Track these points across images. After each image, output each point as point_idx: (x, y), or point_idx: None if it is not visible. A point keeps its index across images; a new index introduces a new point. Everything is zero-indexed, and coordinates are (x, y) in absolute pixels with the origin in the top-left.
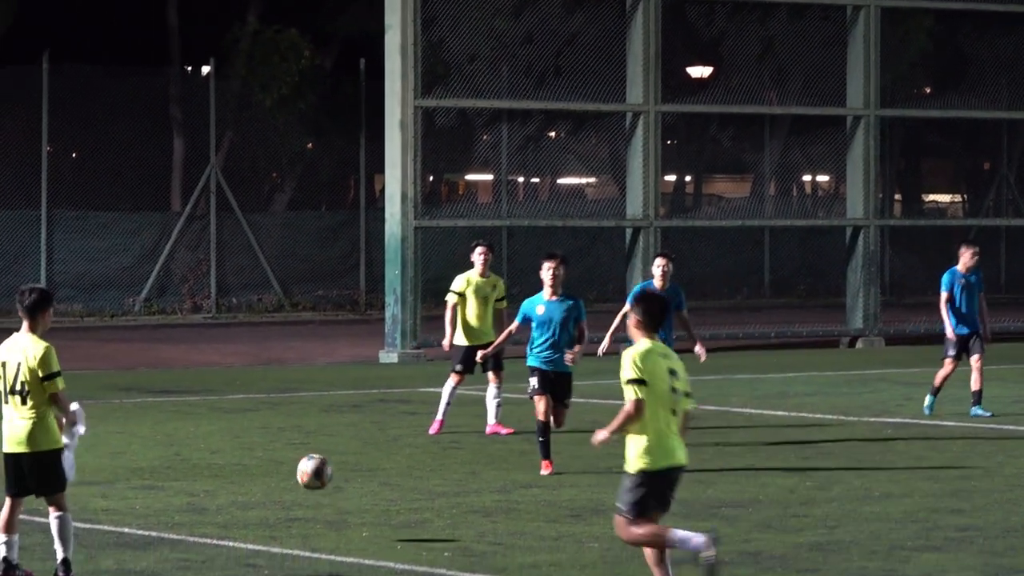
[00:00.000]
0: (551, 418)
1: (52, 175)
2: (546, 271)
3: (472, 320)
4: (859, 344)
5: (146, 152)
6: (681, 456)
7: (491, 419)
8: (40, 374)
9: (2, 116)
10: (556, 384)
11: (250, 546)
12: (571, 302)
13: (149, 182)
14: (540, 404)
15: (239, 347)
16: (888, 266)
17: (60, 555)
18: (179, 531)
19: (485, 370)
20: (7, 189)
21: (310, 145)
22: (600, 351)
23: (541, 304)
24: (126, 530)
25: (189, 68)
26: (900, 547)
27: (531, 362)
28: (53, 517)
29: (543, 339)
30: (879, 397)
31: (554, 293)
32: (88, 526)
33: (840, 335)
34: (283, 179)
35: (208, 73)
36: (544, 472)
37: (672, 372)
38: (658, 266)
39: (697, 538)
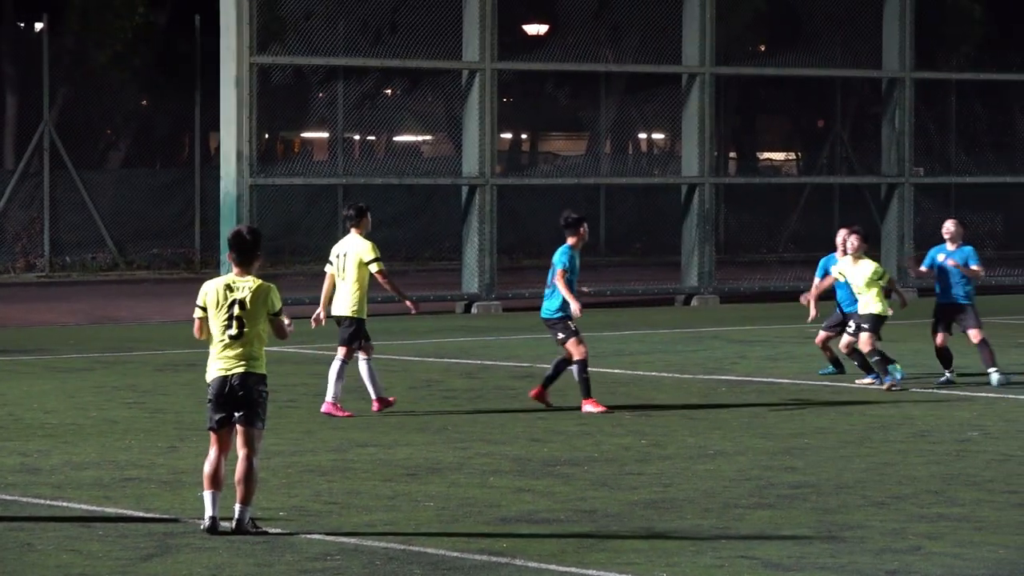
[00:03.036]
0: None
1: None
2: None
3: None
4: (694, 302)
5: None
6: None
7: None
8: None
9: None
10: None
11: (84, 506)
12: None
13: None
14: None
15: (73, 306)
16: (723, 224)
17: None
18: (12, 491)
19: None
20: None
21: (145, 102)
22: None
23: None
24: None
25: (22, 24)
26: (734, 505)
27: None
28: None
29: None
30: (713, 355)
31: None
32: None
33: (675, 293)
34: (118, 137)
35: (41, 29)
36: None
37: None
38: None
39: None
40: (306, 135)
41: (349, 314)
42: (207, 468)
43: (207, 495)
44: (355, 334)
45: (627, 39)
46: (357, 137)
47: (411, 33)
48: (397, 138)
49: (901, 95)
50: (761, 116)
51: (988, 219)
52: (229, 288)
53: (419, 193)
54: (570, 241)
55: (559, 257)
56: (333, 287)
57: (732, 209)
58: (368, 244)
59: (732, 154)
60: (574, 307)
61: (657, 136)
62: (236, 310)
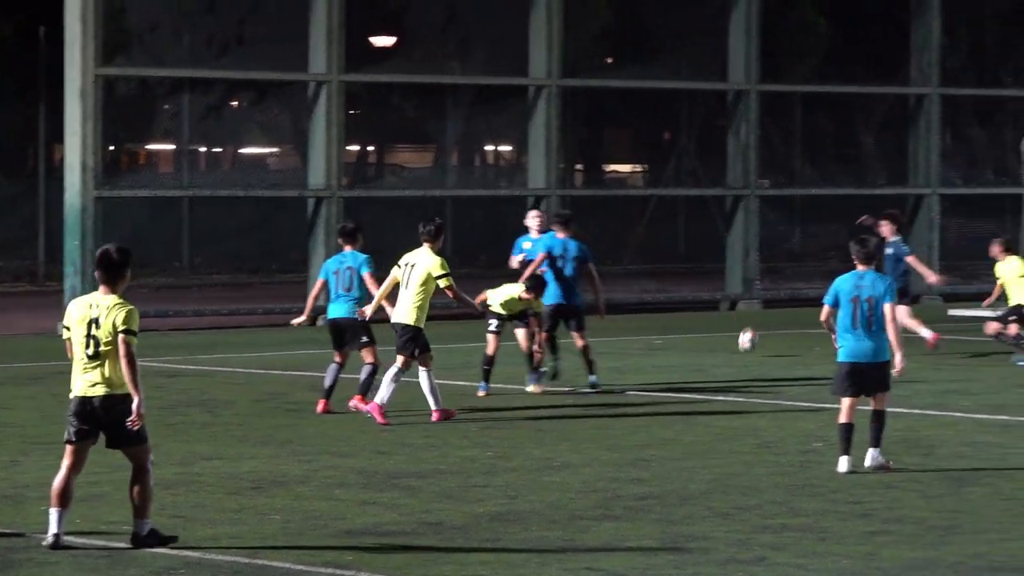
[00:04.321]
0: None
1: None
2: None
3: None
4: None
5: None
6: None
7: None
8: None
9: None
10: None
11: None
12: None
13: None
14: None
15: None
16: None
17: None
18: None
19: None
20: None
21: None
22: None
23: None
24: None
25: None
26: (580, 516)
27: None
28: None
29: None
30: (560, 367)
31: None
32: None
33: None
34: None
35: None
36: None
37: None
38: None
39: None
40: (152, 147)
41: (408, 322)
42: (56, 484)
43: (53, 512)
44: (411, 341)
45: (475, 51)
46: (203, 149)
47: (258, 45)
48: (243, 150)
49: (747, 107)
50: (608, 128)
51: (832, 231)
52: (90, 306)
53: (265, 205)
54: (354, 246)
55: (367, 263)
56: (392, 288)
57: (578, 221)
58: (438, 260)
59: (579, 166)
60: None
61: (504, 148)
62: (92, 329)
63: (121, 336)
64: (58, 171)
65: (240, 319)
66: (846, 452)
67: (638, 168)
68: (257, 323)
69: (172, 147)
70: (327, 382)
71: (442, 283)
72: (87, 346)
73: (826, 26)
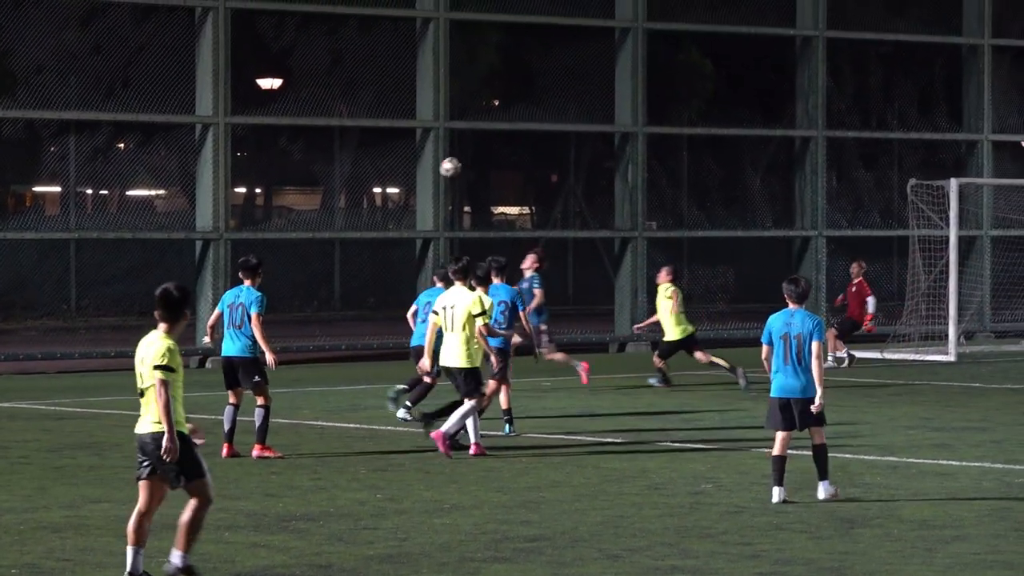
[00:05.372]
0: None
1: None
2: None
3: None
4: None
5: None
6: None
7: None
8: None
9: None
10: None
11: None
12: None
13: None
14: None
15: None
16: None
17: None
18: None
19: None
20: None
21: None
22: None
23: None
24: None
25: None
26: (470, 559)
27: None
28: None
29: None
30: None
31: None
32: None
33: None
34: None
35: None
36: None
37: None
38: None
39: None
40: (38, 189)
41: (463, 365)
42: (130, 522)
43: (128, 550)
44: (473, 380)
45: (362, 93)
46: (90, 191)
47: (144, 87)
48: (130, 192)
49: (634, 149)
50: (496, 171)
51: (720, 273)
52: (144, 345)
53: (153, 248)
54: (252, 283)
55: (258, 303)
56: (437, 337)
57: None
58: (476, 297)
59: (467, 208)
60: (270, 359)
61: (392, 190)
62: (140, 366)
63: (155, 372)
64: None
65: (128, 361)
66: (778, 483)
67: (526, 210)
68: None
69: (59, 189)
70: (226, 425)
71: (479, 321)
72: (139, 383)
73: (712, 69)
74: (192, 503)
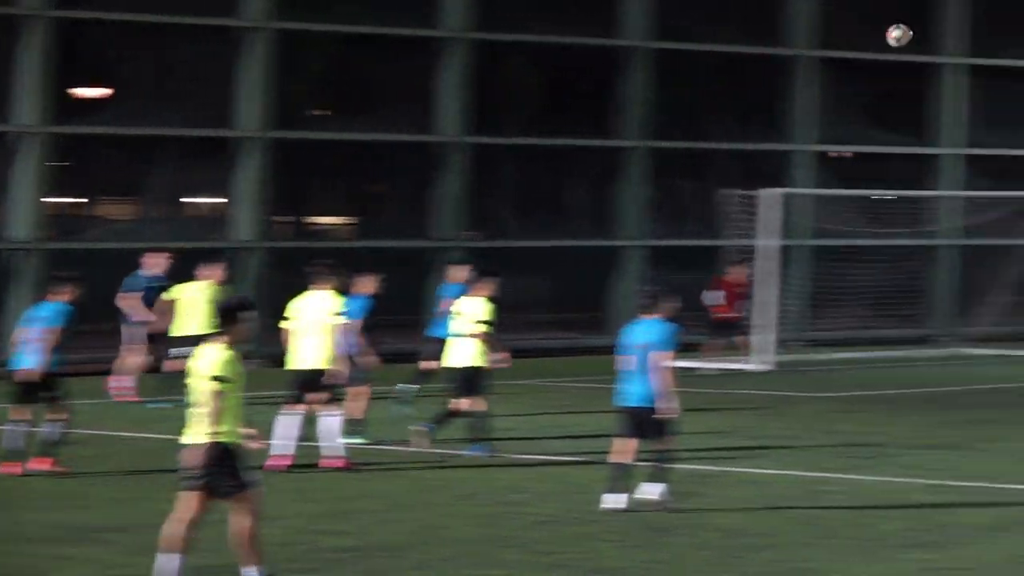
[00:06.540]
0: None
1: None
2: None
3: None
4: (252, 366)
5: None
6: None
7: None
8: None
9: None
10: None
11: None
12: None
13: None
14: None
15: None
16: (278, 289)
17: None
18: None
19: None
20: None
21: None
22: None
23: None
24: None
25: None
26: (281, 570)
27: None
28: None
29: None
30: (265, 419)
31: None
32: None
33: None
34: None
35: None
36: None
37: None
38: None
39: None
40: None
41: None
42: (173, 529)
43: (169, 558)
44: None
45: (184, 103)
46: None
47: None
48: None
49: (456, 160)
50: (317, 180)
51: (540, 283)
52: (196, 356)
53: None
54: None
55: (58, 316)
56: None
57: (285, 274)
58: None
59: (286, 218)
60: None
61: (212, 200)
62: (193, 377)
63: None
64: None
65: None
66: (611, 491)
67: (348, 220)
68: None
69: None
70: (18, 443)
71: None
72: (191, 394)
73: (536, 79)
74: (239, 516)
